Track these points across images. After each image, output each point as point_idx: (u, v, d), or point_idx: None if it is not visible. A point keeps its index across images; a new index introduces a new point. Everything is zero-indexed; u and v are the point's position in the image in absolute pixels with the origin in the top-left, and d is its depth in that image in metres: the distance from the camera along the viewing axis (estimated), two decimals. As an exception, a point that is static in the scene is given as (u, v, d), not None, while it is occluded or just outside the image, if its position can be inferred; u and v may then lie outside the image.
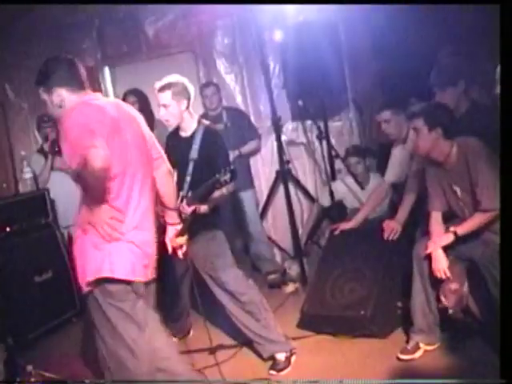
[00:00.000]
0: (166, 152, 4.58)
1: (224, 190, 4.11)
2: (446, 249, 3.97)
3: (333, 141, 6.39)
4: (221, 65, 6.86)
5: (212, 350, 4.73)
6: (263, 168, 6.88)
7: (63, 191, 5.90)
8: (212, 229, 4.48)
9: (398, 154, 5.02)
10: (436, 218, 4.15)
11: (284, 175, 6.37)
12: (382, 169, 5.48)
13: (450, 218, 4.16)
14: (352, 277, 4.72)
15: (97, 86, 6.96)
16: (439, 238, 4.02)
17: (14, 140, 7.30)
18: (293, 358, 4.41)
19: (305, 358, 4.45)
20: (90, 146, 2.95)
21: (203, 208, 4.28)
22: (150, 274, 3.46)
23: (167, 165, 3.72)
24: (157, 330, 3.48)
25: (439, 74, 4.52)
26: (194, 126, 4.45)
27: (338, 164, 6.20)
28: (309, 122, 6.54)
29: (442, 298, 4.06)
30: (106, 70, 7.27)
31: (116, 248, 3.24)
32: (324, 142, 6.15)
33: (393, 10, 5.31)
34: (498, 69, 3.72)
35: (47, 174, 6.22)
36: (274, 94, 6.37)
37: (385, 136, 5.07)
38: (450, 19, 5.29)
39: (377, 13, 5.55)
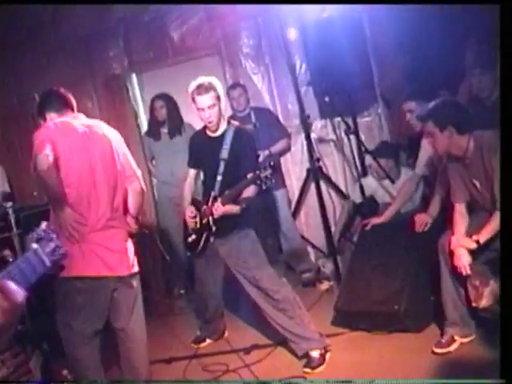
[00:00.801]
0: (190, 152, 4.65)
1: (264, 186, 4.13)
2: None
3: (362, 136, 6.36)
4: (247, 66, 6.84)
5: (247, 351, 4.77)
6: (294, 167, 6.84)
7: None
8: (244, 228, 4.49)
9: (427, 147, 4.97)
10: (459, 210, 4.12)
11: (315, 173, 6.34)
12: (412, 162, 5.44)
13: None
14: (384, 271, 4.69)
15: (124, 94, 7.04)
16: (463, 238, 3.99)
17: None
18: (327, 356, 4.39)
19: (339, 355, 4.44)
20: (39, 152, 3.54)
21: (235, 209, 4.32)
22: (122, 269, 3.82)
23: (140, 183, 4.07)
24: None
25: (477, 58, 4.44)
26: (224, 126, 4.47)
27: (368, 159, 6.16)
28: (337, 119, 6.49)
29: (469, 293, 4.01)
30: (134, 76, 7.33)
31: (80, 249, 3.67)
32: (353, 138, 6.12)
33: (416, 6, 5.27)
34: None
35: None
36: (301, 92, 6.37)
37: (409, 127, 5.03)
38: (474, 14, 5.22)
39: (400, 8, 5.51)
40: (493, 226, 3.85)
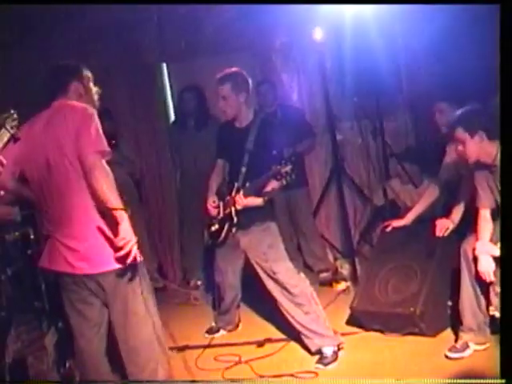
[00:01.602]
0: (217, 142, 4.65)
1: (284, 182, 4.15)
2: None
3: (388, 140, 6.36)
4: (277, 63, 6.87)
5: (260, 343, 4.79)
6: (317, 166, 6.85)
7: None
8: (266, 220, 4.51)
9: (452, 153, 4.96)
10: (485, 216, 4.09)
11: (338, 174, 6.36)
12: (436, 168, 5.42)
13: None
14: (402, 274, 4.69)
15: (153, 83, 7.11)
16: (488, 244, 3.97)
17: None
18: (340, 353, 4.40)
19: (352, 354, 4.45)
20: None
21: (258, 201, 4.34)
22: (95, 266, 3.36)
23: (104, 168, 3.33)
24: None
25: None
26: (251, 117, 4.51)
27: (392, 163, 6.16)
28: (364, 122, 6.50)
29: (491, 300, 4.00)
30: (164, 66, 7.36)
31: (50, 243, 3.48)
32: (379, 141, 6.13)
33: (449, 9, 5.25)
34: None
35: None
36: (329, 93, 6.38)
37: (436, 128, 5.03)
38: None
39: (435, 13, 5.50)
40: None
